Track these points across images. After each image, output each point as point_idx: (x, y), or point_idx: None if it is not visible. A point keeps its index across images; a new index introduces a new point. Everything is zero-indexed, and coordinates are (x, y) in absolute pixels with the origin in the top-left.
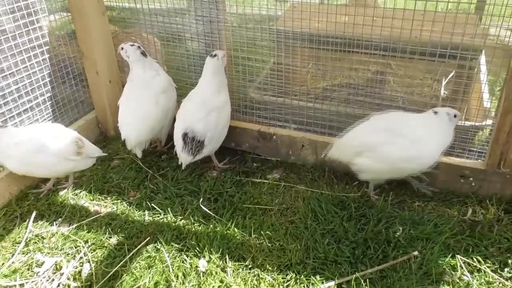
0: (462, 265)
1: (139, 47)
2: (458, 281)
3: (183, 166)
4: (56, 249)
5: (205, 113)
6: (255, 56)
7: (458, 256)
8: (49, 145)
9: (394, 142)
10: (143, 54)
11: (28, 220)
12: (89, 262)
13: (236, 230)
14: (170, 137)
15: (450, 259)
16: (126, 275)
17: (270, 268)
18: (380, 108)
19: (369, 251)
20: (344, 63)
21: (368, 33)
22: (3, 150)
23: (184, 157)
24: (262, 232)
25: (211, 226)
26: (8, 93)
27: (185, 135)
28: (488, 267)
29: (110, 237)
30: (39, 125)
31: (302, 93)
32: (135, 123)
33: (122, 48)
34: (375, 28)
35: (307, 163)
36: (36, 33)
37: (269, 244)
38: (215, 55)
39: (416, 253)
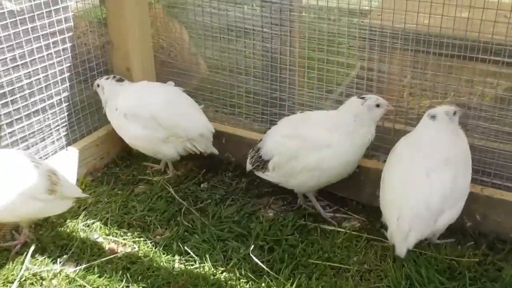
0: None
1: (108, 77)
2: None
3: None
4: None
5: (287, 134)
6: (337, 58)
7: None
8: (11, 179)
9: None
10: (120, 80)
11: (25, 253)
12: None
13: None
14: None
15: None
16: None
17: None
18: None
19: None
20: (462, 74)
21: (502, 33)
22: None
23: (247, 161)
24: None
25: (263, 284)
26: (18, 89)
27: (259, 141)
28: None
29: (128, 287)
30: None
31: (398, 113)
32: (199, 111)
33: (98, 86)
34: None
35: None
36: (58, 15)
37: None
38: (363, 98)
39: None
